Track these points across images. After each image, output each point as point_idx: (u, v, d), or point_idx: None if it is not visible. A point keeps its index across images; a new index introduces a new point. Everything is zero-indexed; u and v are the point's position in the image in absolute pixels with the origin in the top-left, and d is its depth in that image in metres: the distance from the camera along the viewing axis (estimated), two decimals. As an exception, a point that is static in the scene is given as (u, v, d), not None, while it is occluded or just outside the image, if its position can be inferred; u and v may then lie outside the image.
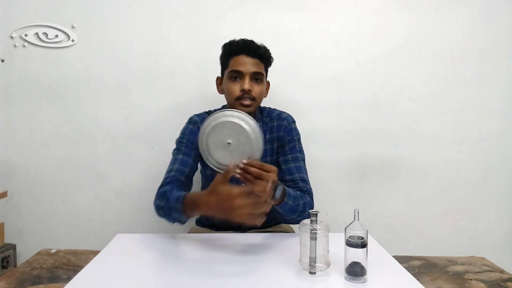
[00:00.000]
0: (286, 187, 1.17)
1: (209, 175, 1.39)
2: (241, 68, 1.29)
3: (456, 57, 1.79)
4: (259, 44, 1.33)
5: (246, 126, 1.03)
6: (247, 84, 1.28)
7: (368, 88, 1.80)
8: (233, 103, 1.31)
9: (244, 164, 1.01)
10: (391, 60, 1.79)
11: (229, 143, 1.04)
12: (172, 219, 1.18)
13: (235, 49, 1.31)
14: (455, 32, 1.78)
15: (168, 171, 1.30)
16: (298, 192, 1.25)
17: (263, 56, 1.33)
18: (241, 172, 1.01)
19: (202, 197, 1.06)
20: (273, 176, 1.02)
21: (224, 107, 1.44)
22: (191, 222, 1.65)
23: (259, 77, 1.31)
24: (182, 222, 1.18)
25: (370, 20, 1.78)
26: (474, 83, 1.80)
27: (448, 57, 1.79)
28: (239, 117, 1.04)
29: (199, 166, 1.45)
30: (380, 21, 1.78)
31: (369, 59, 1.79)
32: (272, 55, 1.37)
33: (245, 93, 1.28)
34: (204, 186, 1.47)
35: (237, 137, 1.03)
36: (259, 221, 1.00)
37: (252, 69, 1.29)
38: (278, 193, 1.09)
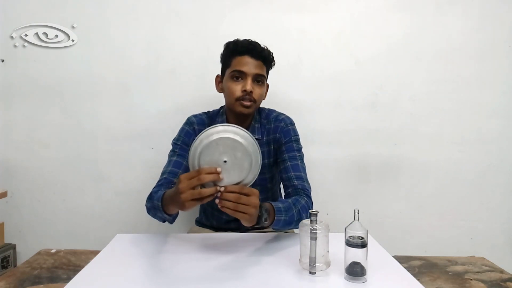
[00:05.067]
0: (274, 204, 1.11)
1: None
2: (244, 69, 1.28)
3: (456, 57, 1.79)
4: (263, 46, 1.33)
5: (241, 140, 0.96)
6: (249, 85, 1.27)
7: (368, 88, 1.80)
8: (233, 103, 1.30)
9: (221, 191, 0.94)
10: (391, 60, 1.79)
11: (225, 162, 0.96)
12: (159, 218, 1.19)
13: (239, 49, 1.30)
14: (455, 32, 1.78)
15: (162, 173, 1.30)
16: (290, 200, 1.19)
17: (266, 58, 1.32)
18: (219, 201, 0.95)
19: (170, 190, 1.06)
20: (254, 199, 0.96)
21: (222, 107, 1.43)
22: (191, 222, 1.65)
23: (260, 79, 1.31)
24: (169, 221, 1.18)
25: (370, 20, 1.78)
26: (474, 83, 1.80)
27: (448, 57, 1.79)
28: (233, 131, 0.96)
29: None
30: (380, 21, 1.78)
31: (369, 59, 1.79)
32: (274, 60, 1.37)
33: (247, 94, 1.27)
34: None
35: (233, 154, 0.95)
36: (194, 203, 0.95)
37: (255, 70, 1.28)
38: (265, 216, 1.05)
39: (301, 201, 1.21)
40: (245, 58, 1.28)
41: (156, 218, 1.21)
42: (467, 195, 1.83)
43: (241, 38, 1.33)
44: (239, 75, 1.29)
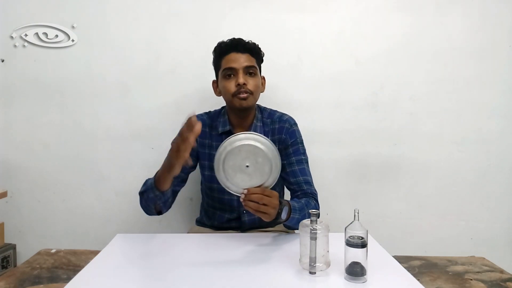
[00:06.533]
0: (290, 202, 1.18)
1: (207, 176, 1.40)
2: (233, 65, 1.30)
3: (456, 57, 1.79)
4: (247, 40, 1.35)
5: (262, 147, 1.05)
6: (241, 78, 1.29)
7: (368, 88, 1.80)
8: (231, 100, 1.32)
9: (245, 193, 1.05)
10: (391, 60, 1.79)
11: (247, 166, 1.05)
12: (151, 202, 1.20)
13: (224, 49, 1.34)
14: (455, 32, 1.78)
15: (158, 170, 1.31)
16: (303, 201, 1.25)
17: (253, 50, 1.35)
18: (243, 201, 1.06)
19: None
20: (275, 200, 1.07)
21: (223, 108, 1.44)
22: (191, 222, 1.65)
23: (252, 71, 1.33)
24: (160, 205, 1.21)
25: (370, 20, 1.78)
26: (474, 83, 1.80)
27: (448, 57, 1.79)
28: (254, 138, 1.06)
29: (198, 167, 1.45)
30: (380, 21, 1.78)
31: (369, 59, 1.78)
32: (262, 51, 1.39)
33: (241, 87, 1.29)
34: (203, 186, 1.47)
35: (254, 159, 1.05)
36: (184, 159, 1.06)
37: (244, 63, 1.31)
38: (284, 214, 1.13)
39: (311, 203, 1.28)
40: (232, 55, 1.32)
41: (148, 204, 1.22)
42: (467, 195, 1.83)
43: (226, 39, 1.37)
44: (230, 72, 1.32)
